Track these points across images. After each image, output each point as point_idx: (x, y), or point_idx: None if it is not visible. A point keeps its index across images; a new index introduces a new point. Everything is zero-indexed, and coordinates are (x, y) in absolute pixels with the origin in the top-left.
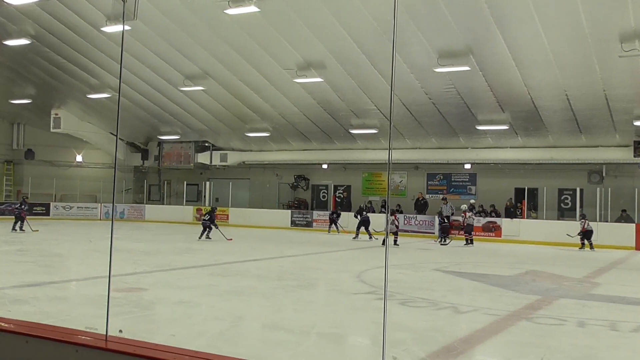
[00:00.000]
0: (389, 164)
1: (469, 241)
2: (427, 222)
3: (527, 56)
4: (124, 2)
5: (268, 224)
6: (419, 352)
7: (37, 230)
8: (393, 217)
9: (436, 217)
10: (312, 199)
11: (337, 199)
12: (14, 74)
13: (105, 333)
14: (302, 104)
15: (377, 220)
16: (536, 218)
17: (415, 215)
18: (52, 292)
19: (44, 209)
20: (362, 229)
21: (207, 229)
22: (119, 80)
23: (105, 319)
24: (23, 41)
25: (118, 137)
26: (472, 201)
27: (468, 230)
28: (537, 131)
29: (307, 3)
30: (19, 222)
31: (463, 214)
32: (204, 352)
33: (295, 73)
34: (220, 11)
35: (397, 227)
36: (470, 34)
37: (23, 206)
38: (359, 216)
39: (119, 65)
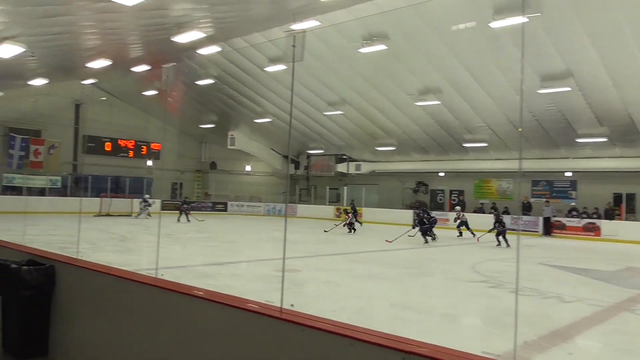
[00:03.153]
0: (520, 172)
1: (460, 234)
2: (531, 222)
3: (624, 77)
4: (294, 46)
5: (394, 221)
6: (529, 335)
7: (203, 220)
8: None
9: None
10: (430, 201)
11: (452, 201)
12: (202, 106)
13: (280, 305)
14: (422, 123)
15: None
16: (635, 220)
17: (521, 216)
18: (230, 269)
19: (223, 206)
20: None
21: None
22: (290, 108)
23: (280, 294)
24: (208, 81)
25: (279, 152)
26: (457, 208)
27: (460, 226)
28: (634, 142)
29: (426, 39)
30: (182, 215)
31: (457, 214)
32: (351, 325)
33: (416, 97)
34: (355, 50)
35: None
36: (570, 58)
37: (185, 205)
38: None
39: (290, 95)
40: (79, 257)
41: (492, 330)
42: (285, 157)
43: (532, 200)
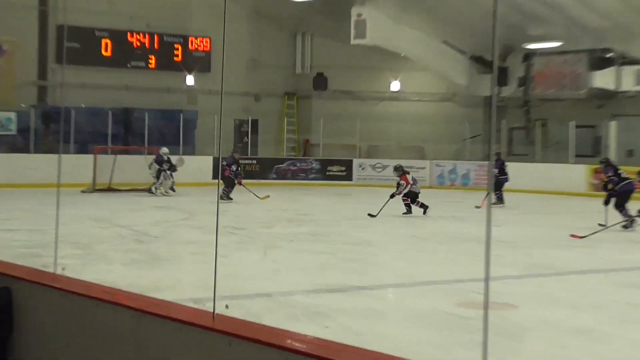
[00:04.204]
0: None
1: None
2: None
3: None
4: None
5: None
6: None
7: (268, 197)
8: None
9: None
10: None
11: None
12: None
13: None
14: None
15: None
16: None
17: None
18: (363, 301)
19: (343, 169)
20: None
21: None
22: None
23: (482, 353)
24: None
25: (461, 50)
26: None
27: None
28: None
29: None
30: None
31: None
32: None
33: None
34: None
35: None
36: None
37: (233, 166)
38: None
39: None
40: (61, 273)
41: None
42: (479, 59)
43: None
